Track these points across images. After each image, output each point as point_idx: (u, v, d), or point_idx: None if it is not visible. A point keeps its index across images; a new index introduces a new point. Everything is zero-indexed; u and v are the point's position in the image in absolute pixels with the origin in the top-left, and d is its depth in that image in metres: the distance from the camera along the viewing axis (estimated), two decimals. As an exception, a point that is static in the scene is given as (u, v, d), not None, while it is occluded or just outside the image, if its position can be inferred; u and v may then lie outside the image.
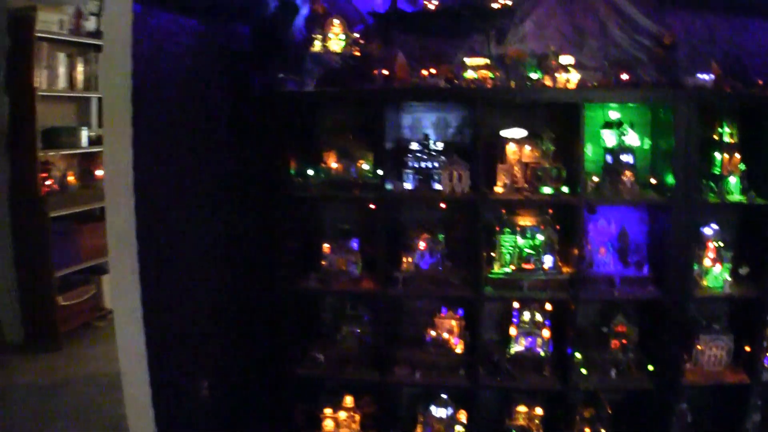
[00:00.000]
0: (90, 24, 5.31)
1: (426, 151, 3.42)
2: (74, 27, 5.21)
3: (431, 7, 3.62)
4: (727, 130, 3.32)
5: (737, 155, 3.25)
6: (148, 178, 2.62)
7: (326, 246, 3.44)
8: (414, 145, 3.45)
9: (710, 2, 3.68)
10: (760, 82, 3.34)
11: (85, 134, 5.30)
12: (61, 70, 5.18)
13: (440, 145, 3.45)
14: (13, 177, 5.04)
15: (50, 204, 5.02)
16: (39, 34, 4.93)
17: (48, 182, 5.05)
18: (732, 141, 3.29)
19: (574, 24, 3.71)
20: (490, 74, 3.39)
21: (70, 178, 5.28)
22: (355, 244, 3.45)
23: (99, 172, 5.43)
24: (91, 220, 5.31)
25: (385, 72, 3.42)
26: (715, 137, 3.37)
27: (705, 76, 3.30)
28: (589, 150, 3.39)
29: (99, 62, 5.28)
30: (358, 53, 3.48)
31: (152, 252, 2.66)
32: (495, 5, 3.58)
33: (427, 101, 3.55)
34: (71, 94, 5.40)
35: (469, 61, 3.45)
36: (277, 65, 3.51)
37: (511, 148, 3.40)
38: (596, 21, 3.69)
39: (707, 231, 3.31)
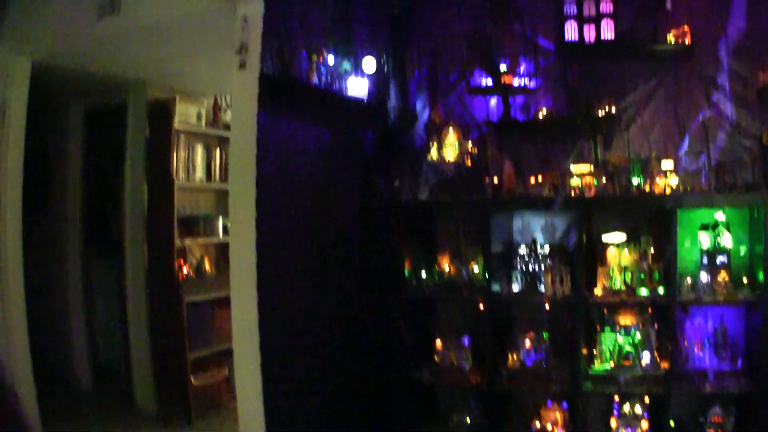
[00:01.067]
0: (227, 116, 7.44)
1: (533, 254, 5.20)
2: (212, 119, 7.36)
3: (541, 115, 5.44)
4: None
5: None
6: (271, 270, 4.19)
7: (439, 342, 5.31)
8: (522, 249, 5.25)
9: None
10: None
11: (221, 224, 7.41)
12: (199, 161, 7.30)
13: (547, 248, 5.22)
14: (151, 262, 7.14)
15: (186, 289, 7.05)
16: (178, 126, 7.01)
17: (184, 269, 7.18)
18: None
19: (678, 127, 5.38)
20: (594, 180, 5.14)
21: (206, 266, 7.43)
22: (466, 341, 5.31)
23: (233, 261, 7.58)
24: (226, 306, 7.39)
25: (496, 179, 5.26)
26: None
27: None
28: (686, 249, 5.02)
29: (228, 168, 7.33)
30: (470, 163, 5.35)
31: (273, 341, 4.20)
32: (601, 113, 5.33)
33: (533, 209, 5.34)
34: (209, 186, 7.44)
35: (575, 168, 5.23)
36: (397, 171, 5.46)
37: (611, 252, 5.12)
38: (699, 124, 5.33)
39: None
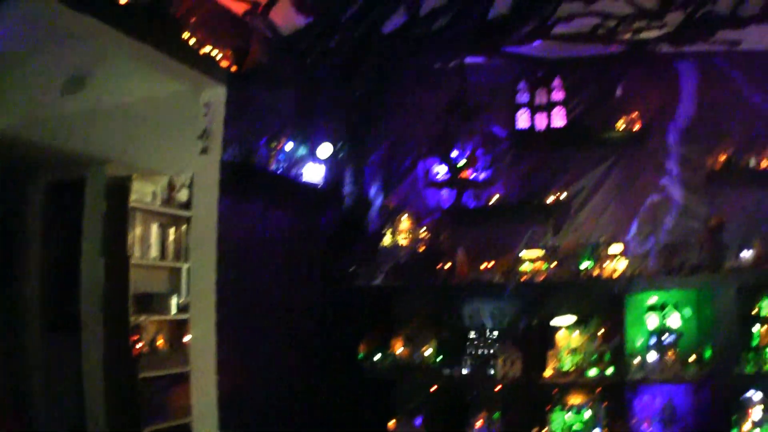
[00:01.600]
0: (182, 195, 7.63)
1: (484, 338, 5.38)
2: (167, 198, 7.51)
3: (493, 202, 5.69)
4: (766, 304, 5.08)
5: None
6: (231, 348, 4.48)
7: (392, 422, 5.43)
8: (473, 333, 5.43)
9: (759, 178, 5.52)
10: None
11: (174, 301, 7.50)
12: (154, 239, 7.42)
13: (496, 333, 5.42)
14: (108, 337, 7.19)
15: (141, 365, 7.14)
16: (134, 204, 7.13)
17: (139, 344, 7.25)
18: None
19: (628, 211, 5.65)
20: (544, 266, 5.37)
21: (160, 342, 7.50)
22: (418, 421, 5.43)
23: (187, 338, 7.64)
24: (182, 382, 7.45)
25: (448, 265, 5.46)
26: (755, 312, 5.12)
27: (748, 253, 5.12)
28: (635, 330, 5.27)
29: (189, 252, 7.51)
30: (423, 248, 5.55)
31: (232, 418, 4.48)
32: (552, 199, 5.58)
33: (485, 295, 5.54)
34: (163, 264, 7.55)
35: (526, 254, 5.45)
36: (352, 255, 5.64)
37: (561, 334, 5.32)
38: (648, 208, 5.60)
39: (753, 397, 4.99)
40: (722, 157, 5.68)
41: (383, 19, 5.07)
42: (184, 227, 7.52)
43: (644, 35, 5.82)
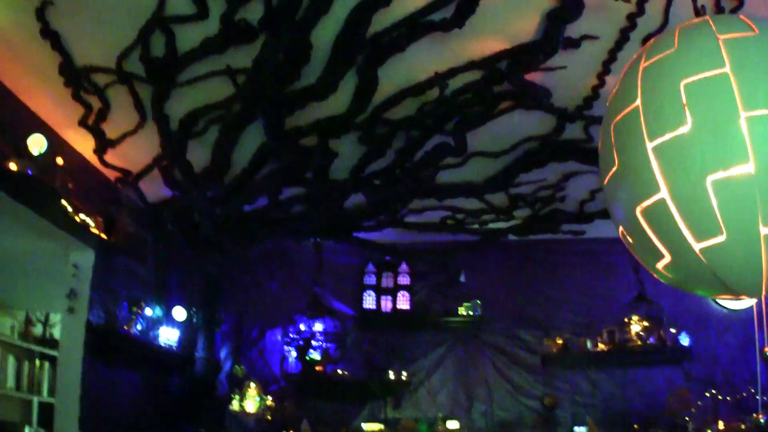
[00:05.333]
0: (37, 329, 8.16)
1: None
2: (23, 331, 8.05)
3: (337, 375, 6.50)
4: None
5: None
6: None
7: None
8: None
9: (593, 362, 6.57)
10: (636, 426, 6.06)
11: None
12: (10, 370, 7.85)
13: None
14: None
15: None
16: None
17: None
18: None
19: (465, 390, 6.57)
20: (383, 439, 6.16)
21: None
22: None
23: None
24: None
25: (292, 434, 6.20)
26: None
27: (581, 429, 6.06)
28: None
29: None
30: (269, 417, 6.26)
31: None
32: (393, 376, 6.45)
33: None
34: (17, 394, 7.93)
35: (365, 426, 6.23)
36: (201, 419, 6.29)
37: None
38: (485, 387, 6.54)
39: None
40: (559, 341, 6.75)
41: (246, 201, 5.98)
42: (37, 362, 8.03)
43: (492, 226, 6.97)
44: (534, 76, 4.62)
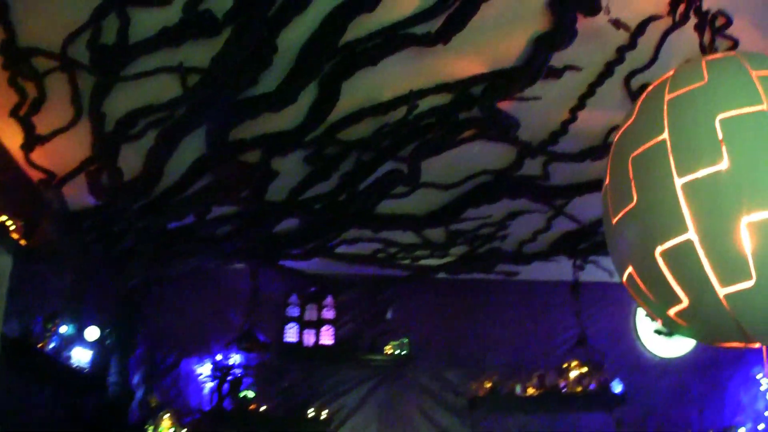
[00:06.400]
0: None
1: None
2: None
3: (251, 408, 6.29)
4: None
5: None
6: None
7: None
8: None
9: (522, 406, 6.49)
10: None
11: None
12: None
13: None
14: None
15: None
16: None
17: None
18: None
19: (389, 431, 6.41)
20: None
21: None
22: None
23: None
24: None
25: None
26: None
27: None
28: None
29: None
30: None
31: None
32: (312, 414, 6.26)
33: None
34: None
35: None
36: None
37: None
38: (411, 429, 6.41)
39: None
40: (487, 384, 6.66)
41: (173, 217, 5.72)
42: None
43: (423, 262, 6.87)
44: (504, 105, 4.49)
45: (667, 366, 7.77)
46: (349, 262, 7.06)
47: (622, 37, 3.85)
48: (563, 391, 7.01)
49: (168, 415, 6.12)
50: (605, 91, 4.35)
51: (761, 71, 2.45)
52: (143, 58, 3.95)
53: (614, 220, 2.69)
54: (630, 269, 2.67)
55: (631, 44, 3.89)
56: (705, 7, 3.11)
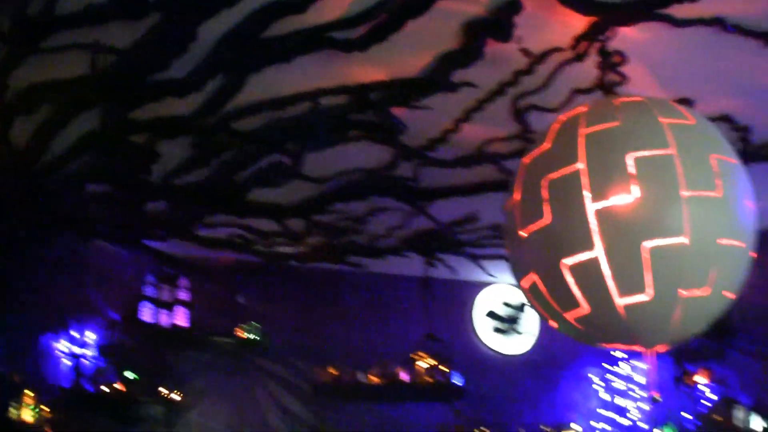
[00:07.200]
0: None
1: None
2: None
3: (108, 390, 6.46)
4: None
5: None
6: None
7: None
8: None
9: (359, 394, 6.91)
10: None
11: None
12: None
13: None
14: None
15: None
16: None
17: None
18: None
19: (239, 415, 6.72)
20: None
21: None
22: None
23: None
24: None
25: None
26: None
27: None
28: None
29: None
30: (49, 429, 6.09)
31: None
32: (164, 394, 6.47)
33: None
34: None
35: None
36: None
37: None
38: (259, 413, 6.72)
39: None
40: (333, 371, 7.07)
41: (47, 194, 5.75)
42: None
43: (278, 249, 7.14)
44: (396, 110, 4.82)
45: (505, 363, 8.44)
46: (206, 245, 7.23)
47: (522, 62, 4.28)
48: (405, 381, 7.51)
49: (29, 392, 6.17)
50: (492, 108, 4.77)
51: (668, 119, 2.94)
52: (62, 33, 3.96)
53: (522, 233, 3.10)
54: (534, 277, 3.11)
55: (529, 70, 4.33)
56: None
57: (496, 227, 7.10)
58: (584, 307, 2.97)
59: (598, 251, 2.84)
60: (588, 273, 2.89)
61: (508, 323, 8.91)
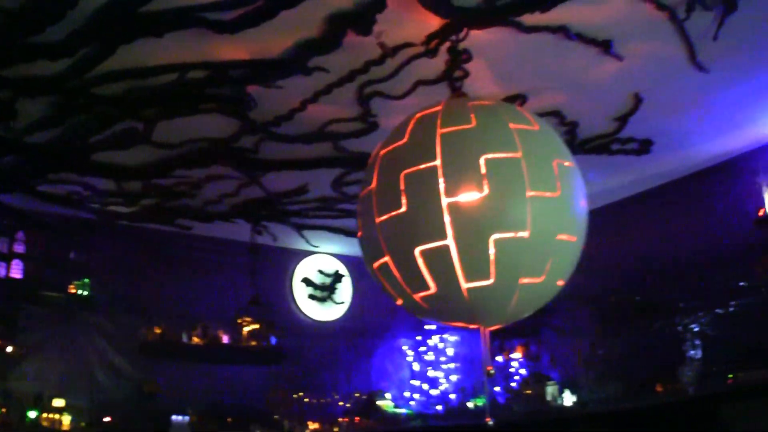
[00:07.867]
0: None
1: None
2: None
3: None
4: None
5: None
6: None
7: None
8: None
9: (182, 353, 7.16)
10: (230, 419, 6.76)
11: None
12: None
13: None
14: None
15: None
16: None
17: None
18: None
19: (70, 368, 6.84)
20: (-6, 409, 6.26)
21: None
22: None
23: None
24: None
25: None
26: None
27: (180, 417, 6.61)
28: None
29: None
30: None
31: None
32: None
33: None
34: None
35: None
36: None
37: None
38: (86, 366, 6.87)
39: None
40: (156, 330, 7.28)
41: None
42: None
43: (111, 208, 7.25)
44: (250, 87, 5.11)
45: (321, 330, 8.88)
46: (45, 200, 7.22)
47: (375, 53, 4.64)
48: (226, 344, 7.81)
49: None
50: (338, 92, 5.12)
51: (516, 125, 3.33)
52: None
53: (378, 220, 3.42)
54: (386, 259, 3.44)
55: (380, 61, 4.70)
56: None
57: (323, 200, 7.47)
58: (432, 289, 3.31)
59: (449, 240, 3.18)
60: (438, 259, 3.22)
61: (322, 290, 9.34)
